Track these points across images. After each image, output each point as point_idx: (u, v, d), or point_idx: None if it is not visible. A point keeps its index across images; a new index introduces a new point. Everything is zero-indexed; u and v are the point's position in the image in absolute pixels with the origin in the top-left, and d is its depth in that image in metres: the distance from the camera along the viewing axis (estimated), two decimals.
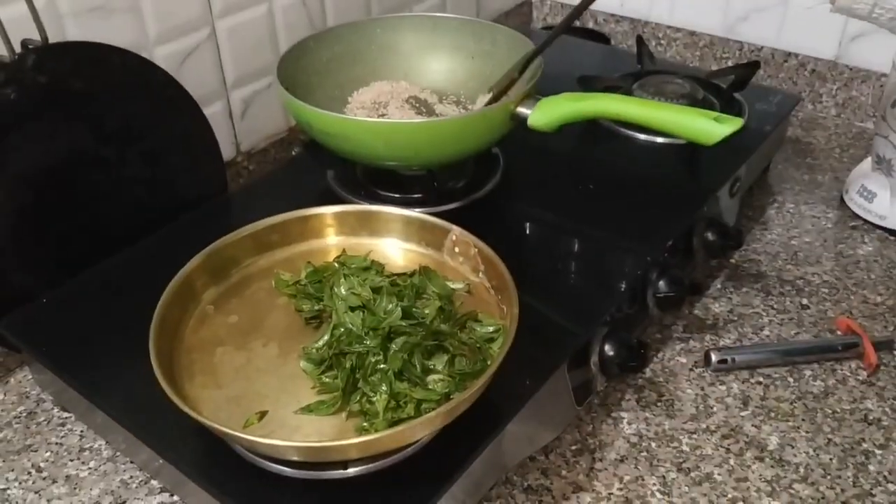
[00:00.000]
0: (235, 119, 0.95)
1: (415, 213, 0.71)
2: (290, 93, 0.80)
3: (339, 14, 1.02)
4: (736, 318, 0.85)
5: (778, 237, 0.97)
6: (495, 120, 0.79)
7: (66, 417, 0.74)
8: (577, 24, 1.37)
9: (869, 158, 1.01)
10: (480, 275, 0.67)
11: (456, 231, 0.68)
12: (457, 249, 0.69)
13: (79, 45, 0.76)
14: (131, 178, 0.82)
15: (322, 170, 0.89)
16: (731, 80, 1.03)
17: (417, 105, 0.93)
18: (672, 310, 0.81)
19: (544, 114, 0.78)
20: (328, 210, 0.72)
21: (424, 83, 0.96)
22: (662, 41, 1.31)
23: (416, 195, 0.86)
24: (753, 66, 1.03)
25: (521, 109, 0.79)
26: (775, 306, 0.87)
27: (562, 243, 0.82)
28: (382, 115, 0.91)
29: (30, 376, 0.78)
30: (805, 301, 0.87)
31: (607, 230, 0.82)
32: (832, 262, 0.93)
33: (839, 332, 0.83)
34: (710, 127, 0.70)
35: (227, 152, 0.95)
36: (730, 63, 1.26)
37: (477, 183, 0.87)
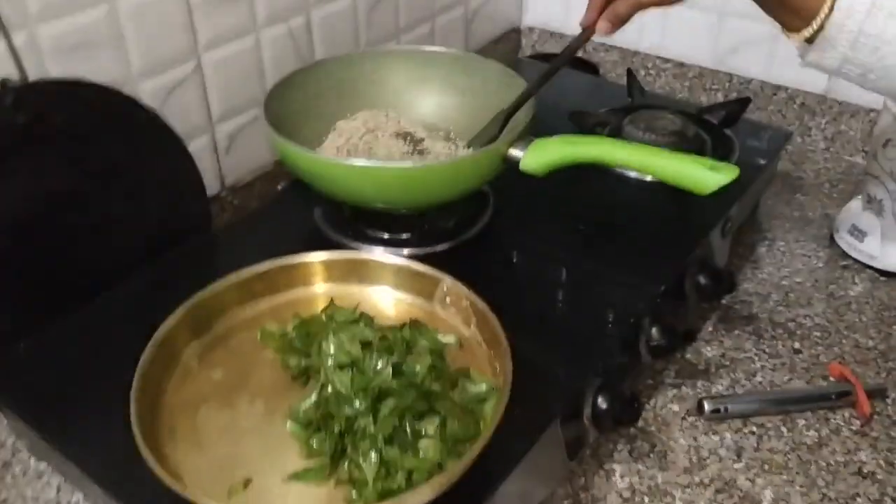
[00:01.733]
0: (220, 153, 0.93)
1: (405, 261, 0.70)
2: (276, 128, 0.79)
3: (327, 45, 1.01)
4: (728, 363, 0.84)
5: (769, 276, 0.96)
6: (486, 162, 0.78)
7: (44, 469, 0.72)
8: None
9: (859, 197, 1.00)
10: (472, 327, 0.66)
11: (447, 281, 0.67)
12: (448, 300, 0.67)
13: (60, 82, 0.73)
14: (113, 217, 0.80)
15: (308, 207, 0.88)
16: (721, 115, 1.02)
17: (406, 139, 0.91)
18: (665, 357, 0.80)
19: (537, 157, 0.77)
20: (316, 258, 0.70)
21: (413, 116, 0.95)
22: (652, 71, 1.30)
23: (405, 235, 0.84)
24: (744, 102, 1.03)
25: (514, 151, 0.78)
26: (767, 350, 0.86)
27: (553, 288, 0.80)
28: (370, 148, 0.89)
29: (5, 421, 0.76)
30: (797, 345, 0.87)
31: (598, 276, 0.80)
32: (823, 303, 0.92)
33: (832, 379, 0.82)
34: (706, 176, 0.69)
35: (211, 187, 0.93)
36: (719, 94, 1.25)
37: (467, 221, 0.86)
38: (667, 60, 1.28)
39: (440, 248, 0.83)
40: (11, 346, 0.72)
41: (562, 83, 1.17)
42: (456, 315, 0.67)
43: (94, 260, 0.78)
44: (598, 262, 0.82)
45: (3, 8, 0.67)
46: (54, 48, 0.73)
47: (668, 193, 0.92)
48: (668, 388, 0.82)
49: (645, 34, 1.28)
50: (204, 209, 0.88)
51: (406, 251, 0.83)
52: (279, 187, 1.00)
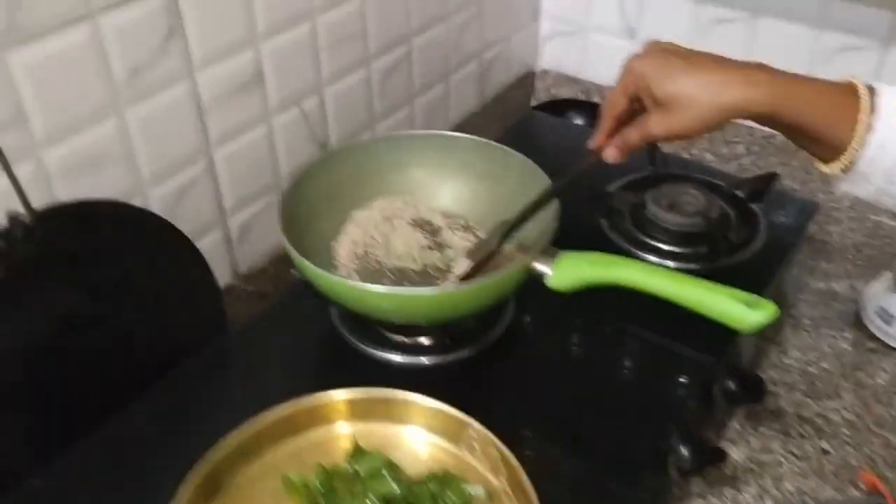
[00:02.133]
0: (234, 243, 0.90)
1: (433, 402, 0.67)
2: (291, 226, 0.78)
3: (342, 122, 0.97)
4: (755, 468, 0.82)
5: (795, 362, 0.94)
6: (510, 282, 0.76)
7: None
8: (583, 97, 1.33)
9: (886, 274, 0.98)
10: (501, 478, 0.64)
11: (475, 428, 0.65)
12: (476, 445, 0.65)
13: (68, 206, 0.70)
14: (127, 331, 0.78)
15: (324, 303, 0.85)
16: (748, 190, 1.00)
17: (423, 228, 0.89)
18: (694, 476, 0.78)
19: (565, 276, 0.74)
20: (340, 396, 0.68)
21: (431, 203, 0.92)
22: None
23: (425, 341, 0.82)
24: (771, 177, 1.00)
25: (540, 266, 0.75)
26: (795, 451, 0.84)
27: (576, 401, 0.78)
28: (387, 240, 0.87)
29: None
30: (825, 445, 0.85)
31: (623, 389, 0.79)
32: (851, 394, 0.90)
33: (863, 486, 0.81)
34: (743, 314, 0.67)
35: (225, 278, 0.91)
36: (740, 147, 1.22)
37: (489, 322, 0.84)
38: None
39: (462, 354, 0.81)
40: (24, 484, 0.70)
41: (580, 139, 1.15)
42: (485, 461, 0.65)
43: (108, 380, 0.76)
44: (622, 375, 0.80)
45: (6, 140, 0.64)
46: (62, 170, 0.70)
47: None
48: (696, 497, 0.80)
49: None
50: (218, 311, 0.85)
51: (426, 359, 0.81)
52: (292, 270, 0.97)
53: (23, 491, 0.69)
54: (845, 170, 0.66)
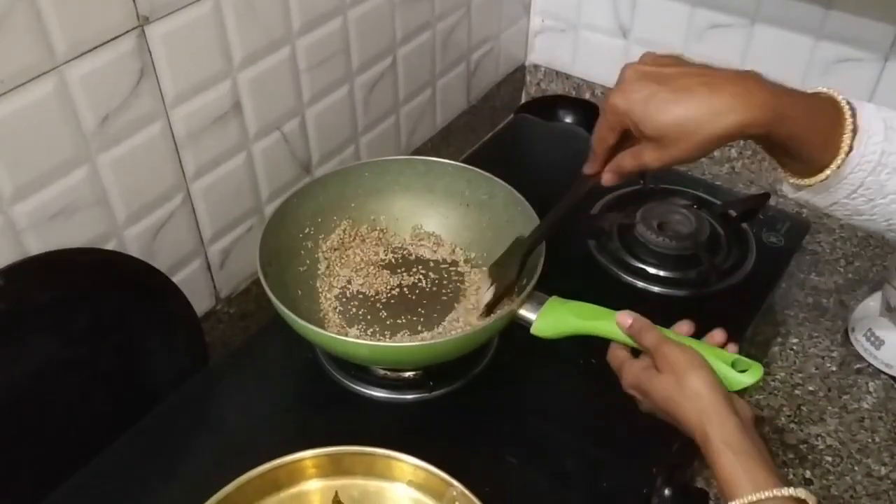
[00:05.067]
0: (214, 270, 0.89)
1: (415, 461, 0.67)
2: (271, 260, 0.77)
3: (323, 140, 0.95)
4: None
5: (781, 384, 0.94)
6: (496, 327, 0.75)
7: None
8: (574, 93, 1.30)
9: (876, 295, 0.97)
10: None
11: (458, 489, 0.64)
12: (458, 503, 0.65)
13: (38, 259, 0.69)
14: (106, 372, 0.77)
15: None
16: (739, 210, 0.98)
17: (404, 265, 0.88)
18: None
19: (548, 325, 0.73)
20: (321, 453, 0.67)
21: (415, 229, 0.90)
22: None
23: (408, 375, 0.81)
24: (764, 197, 0.98)
25: (524, 313, 0.74)
26: None
27: (560, 437, 0.78)
28: (367, 278, 0.86)
29: None
30: (808, 474, 0.85)
31: (609, 426, 0.78)
32: (836, 419, 0.90)
33: None
34: (729, 376, 0.66)
35: (205, 304, 0.89)
36: (733, 150, 1.20)
37: (473, 358, 0.83)
38: None
39: (446, 389, 0.81)
40: None
41: (572, 143, 1.13)
42: None
43: (89, 422, 0.76)
44: (604, 401, 0.80)
45: None
46: (32, 223, 0.68)
47: (678, 306, 0.90)
48: None
49: None
50: (198, 343, 0.84)
51: (409, 395, 0.81)
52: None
53: None
54: (819, 184, 0.65)
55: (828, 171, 0.62)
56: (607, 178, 0.71)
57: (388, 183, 0.89)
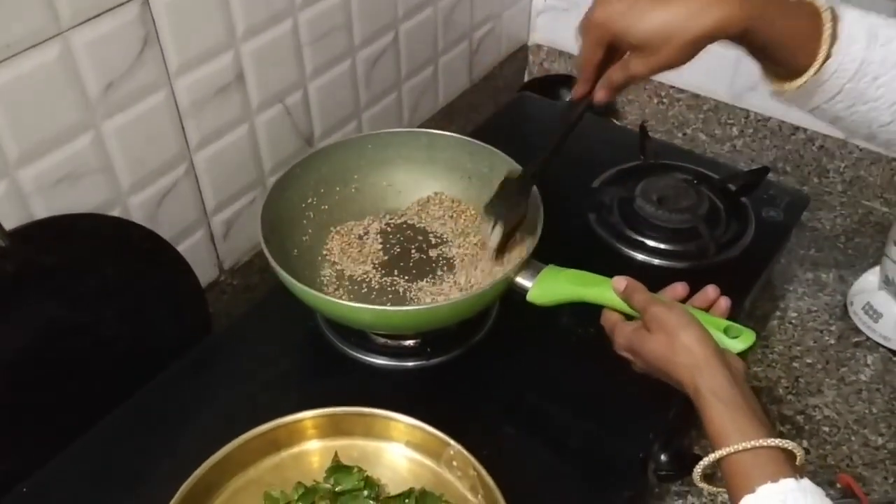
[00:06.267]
0: (217, 241, 0.90)
1: (413, 421, 0.68)
2: (274, 228, 0.78)
3: (326, 113, 0.96)
4: None
5: (779, 357, 0.95)
6: (493, 293, 0.76)
7: None
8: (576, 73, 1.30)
9: (875, 269, 0.98)
10: (479, 497, 0.65)
11: (454, 448, 0.65)
12: (455, 463, 0.66)
13: (44, 223, 0.70)
14: (109, 338, 0.78)
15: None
16: (739, 183, 0.98)
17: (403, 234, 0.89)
18: (674, 482, 0.80)
19: (544, 292, 0.74)
20: (321, 413, 0.68)
21: (417, 203, 0.91)
22: (665, 100, 1.25)
23: (409, 343, 0.82)
24: (763, 171, 0.98)
25: (521, 281, 0.75)
26: None
27: (557, 404, 0.79)
28: (367, 244, 0.87)
29: None
30: (805, 444, 0.86)
31: (605, 393, 0.79)
32: (834, 391, 0.91)
33: (839, 486, 0.82)
34: (722, 341, 0.66)
35: (209, 274, 0.91)
36: (734, 129, 1.21)
37: (473, 326, 0.84)
38: (682, 91, 1.22)
39: (445, 357, 0.82)
40: (14, 489, 0.71)
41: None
42: (463, 479, 0.66)
43: (93, 387, 0.77)
44: (606, 373, 0.80)
45: None
46: (38, 188, 0.69)
47: (677, 279, 0.90)
48: (674, 496, 0.82)
49: None
50: (202, 312, 0.85)
51: (409, 362, 0.82)
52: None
53: (11, 498, 0.70)
54: (796, 89, 0.66)
55: (805, 77, 0.64)
56: (600, 95, 0.71)
57: (390, 155, 0.90)
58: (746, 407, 0.58)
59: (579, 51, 0.70)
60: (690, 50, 0.64)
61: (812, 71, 0.64)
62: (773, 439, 0.56)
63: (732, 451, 0.56)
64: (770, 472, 0.55)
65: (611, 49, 0.68)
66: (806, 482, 0.55)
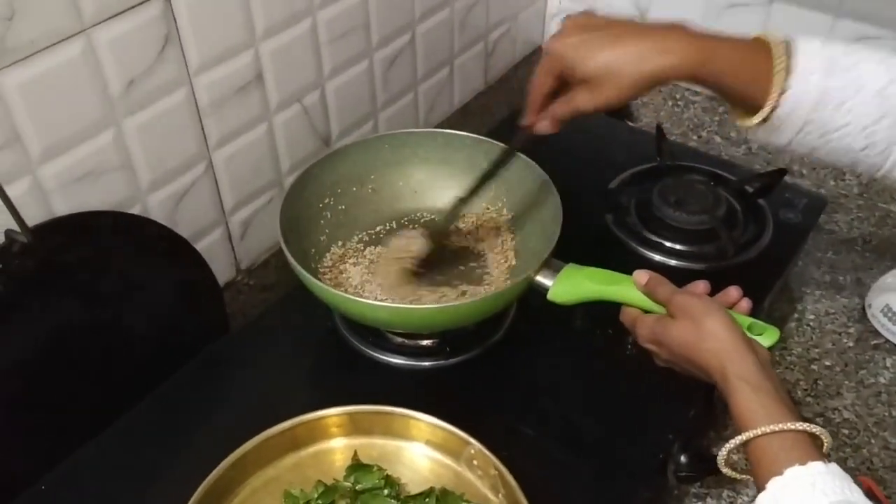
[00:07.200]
0: (235, 241, 0.90)
1: (433, 420, 0.68)
2: (292, 227, 0.79)
3: (343, 114, 0.96)
4: None
5: (798, 359, 0.94)
6: (514, 292, 0.75)
7: None
8: None
9: (893, 271, 0.97)
10: (500, 496, 0.65)
11: (475, 447, 0.65)
12: (476, 463, 0.66)
13: (65, 220, 0.70)
14: (127, 336, 0.78)
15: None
16: (756, 185, 0.98)
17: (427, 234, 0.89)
18: (693, 483, 0.79)
19: (564, 290, 0.74)
20: (341, 412, 0.68)
21: (435, 202, 0.91)
22: (680, 102, 1.24)
23: (426, 342, 0.82)
24: (780, 173, 0.98)
25: (541, 279, 0.75)
26: None
27: (577, 405, 0.79)
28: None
29: None
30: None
31: (625, 394, 0.79)
32: (853, 393, 0.91)
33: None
34: None
35: (226, 274, 0.91)
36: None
37: (491, 325, 0.84)
38: (697, 93, 1.22)
39: (463, 357, 0.81)
40: (33, 488, 0.71)
41: (588, 126, 1.13)
42: (483, 479, 0.66)
43: (111, 384, 0.77)
44: (621, 370, 0.80)
45: (0, 161, 0.64)
46: (59, 185, 0.69)
47: (696, 279, 0.90)
48: (693, 498, 0.81)
49: None
50: (219, 311, 0.85)
51: (427, 362, 0.82)
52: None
53: (29, 495, 0.70)
54: (760, 124, 0.67)
55: (766, 110, 0.65)
56: (541, 126, 0.73)
57: (406, 155, 0.90)
58: (774, 391, 0.58)
59: (532, 76, 0.71)
60: (635, 89, 0.65)
61: (769, 104, 0.64)
62: (801, 423, 0.56)
63: (760, 433, 0.56)
64: (798, 455, 0.55)
65: (562, 81, 0.69)
66: (834, 466, 0.54)
